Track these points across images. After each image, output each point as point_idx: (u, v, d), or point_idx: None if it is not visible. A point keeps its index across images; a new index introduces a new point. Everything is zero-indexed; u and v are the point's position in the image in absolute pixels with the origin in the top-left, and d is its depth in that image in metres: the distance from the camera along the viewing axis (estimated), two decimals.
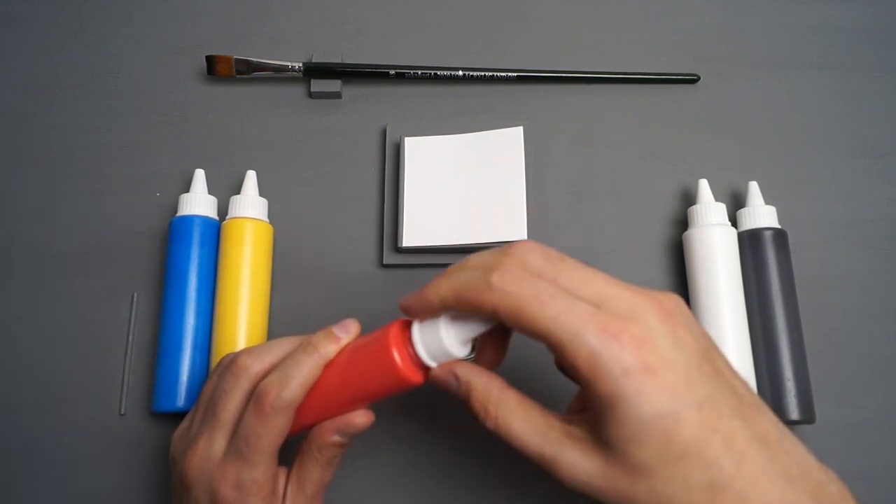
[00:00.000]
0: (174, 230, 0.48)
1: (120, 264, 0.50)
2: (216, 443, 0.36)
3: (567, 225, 0.51)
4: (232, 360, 0.38)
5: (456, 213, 0.49)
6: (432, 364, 0.34)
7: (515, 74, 0.54)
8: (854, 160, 0.53)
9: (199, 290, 0.47)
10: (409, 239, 0.48)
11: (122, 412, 0.47)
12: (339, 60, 0.54)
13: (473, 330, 0.33)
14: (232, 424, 0.36)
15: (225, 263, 0.47)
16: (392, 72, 0.54)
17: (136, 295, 0.50)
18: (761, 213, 0.48)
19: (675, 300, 0.30)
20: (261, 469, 0.35)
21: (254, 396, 0.35)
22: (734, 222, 0.49)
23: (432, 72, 0.54)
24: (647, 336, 0.28)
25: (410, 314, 0.35)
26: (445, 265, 0.50)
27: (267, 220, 0.49)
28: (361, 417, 0.37)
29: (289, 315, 0.49)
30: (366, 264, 0.50)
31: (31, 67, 0.56)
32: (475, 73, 0.54)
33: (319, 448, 0.37)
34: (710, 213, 0.48)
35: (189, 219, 0.48)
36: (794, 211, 0.51)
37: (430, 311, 0.33)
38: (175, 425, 0.47)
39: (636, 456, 0.28)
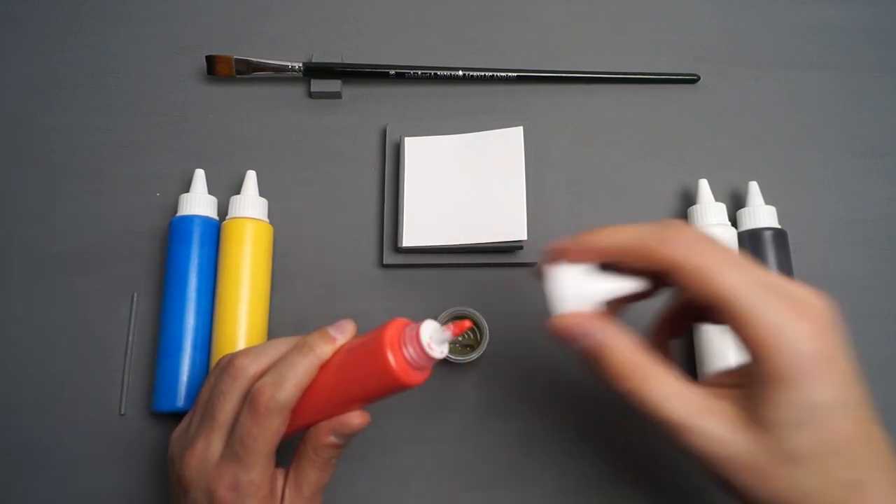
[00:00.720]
0: (174, 230, 0.48)
1: (120, 264, 0.50)
2: (213, 444, 0.36)
3: (567, 225, 0.51)
4: (229, 361, 0.38)
5: (456, 213, 0.49)
6: (438, 356, 0.34)
7: (515, 74, 0.54)
8: (854, 160, 0.53)
9: (199, 290, 0.47)
10: (409, 239, 0.48)
11: (122, 412, 0.47)
12: (339, 60, 0.54)
13: (620, 289, 0.32)
14: (228, 426, 0.36)
15: (225, 263, 0.47)
16: (392, 72, 0.54)
17: (136, 295, 0.50)
18: (761, 213, 0.48)
19: (825, 297, 0.30)
20: (257, 470, 0.35)
21: (249, 398, 0.35)
22: (734, 222, 0.49)
23: (432, 72, 0.54)
24: (826, 327, 0.28)
25: (564, 255, 0.34)
26: (445, 265, 0.50)
27: (267, 220, 0.49)
28: (357, 419, 0.36)
29: (289, 315, 0.49)
30: (366, 264, 0.50)
31: (31, 67, 0.56)
32: (475, 73, 0.54)
33: (315, 449, 0.37)
34: (710, 213, 0.48)
35: (189, 219, 0.48)
36: (794, 211, 0.51)
37: (594, 256, 0.33)
38: (175, 425, 0.47)
39: (791, 441, 0.27)
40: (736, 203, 0.51)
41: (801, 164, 0.53)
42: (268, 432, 0.35)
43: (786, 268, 0.47)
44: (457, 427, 0.47)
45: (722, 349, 0.44)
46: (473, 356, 0.45)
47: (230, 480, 0.35)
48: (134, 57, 0.56)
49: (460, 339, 0.47)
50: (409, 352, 0.34)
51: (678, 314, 0.36)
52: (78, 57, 0.56)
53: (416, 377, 0.35)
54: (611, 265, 0.33)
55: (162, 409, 0.45)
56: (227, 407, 0.36)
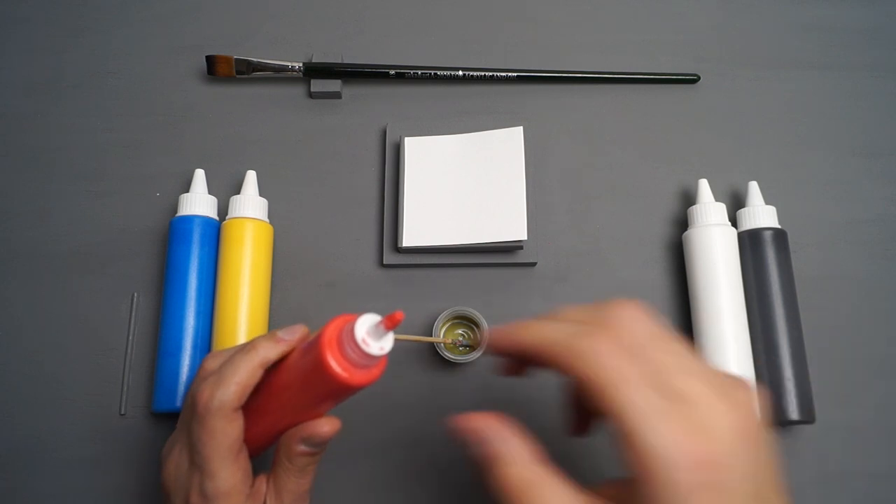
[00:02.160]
0: (174, 230, 0.48)
1: (120, 264, 0.50)
2: (185, 451, 0.35)
3: (567, 225, 0.51)
4: (201, 362, 0.37)
5: (456, 213, 0.49)
6: (376, 353, 0.31)
7: (515, 74, 0.54)
8: (854, 160, 0.53)
9: (199, 290, 0.47)
10: (409, 239, 0.48)
11: (122, 412, 0.47)
12: (339, 60, 0.54)
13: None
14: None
15: (225, 263, 0.47)
16: (392, 72, 0.54)
17: (136, 295, 0.50)
18: (761, 213, 0.48)
19: (756, 412, 0.29)
20: (220, 477, 0.34)
21: (190, 401, 0.34)
22: (734, 222, 0.49)
23: (432, 72, 0.54)
24: (716, 456, 0.26)
25: (492, 347, 0.34)
26: (445, 265, 0.50)
27: (267, 220, 0.49)
28: (326, 426, 0.35)
29: (289, 315, 0.49)
30: (366, 264, 0.50)
31: (31, 67, 0.56)
32: (475, 73, 0.54)
33: (289, 458, 0.36)
34: (710, 213, 0.48)
35: (189, 219, 0.48)
36: (794, 211, 0.51)
37: (514, 350, 0.32)
38: (174, 425, 0.47)
39: None
40: (736, 203, 0.51)
41: (801, 164, 0.53)
42: (216, 435, 0.33)
43: (786, 268, 0.47)
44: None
45: None
46: (473, 356, 0.45)
47: (198, 490, 0.34)
48: (134, 57, 0.56)
49: (460, 339, 0.47)
50: (348, 350, 0.31)
51: (582, 413, 0.35)
52: (78, 57, 0.56)
53: (361, 377, 0.32)
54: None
55: (162, 409, 0.45)
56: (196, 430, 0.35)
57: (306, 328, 0.37)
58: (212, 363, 0.37)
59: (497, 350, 0.33)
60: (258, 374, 0.35)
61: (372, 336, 0.31)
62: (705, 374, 0.29)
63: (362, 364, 0.32)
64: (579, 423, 0.36)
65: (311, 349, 0.32)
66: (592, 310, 0.31)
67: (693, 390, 0.27)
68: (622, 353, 0.28)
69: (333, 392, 0.33)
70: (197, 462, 0.34)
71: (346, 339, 0.31)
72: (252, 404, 0.35)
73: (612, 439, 0.28)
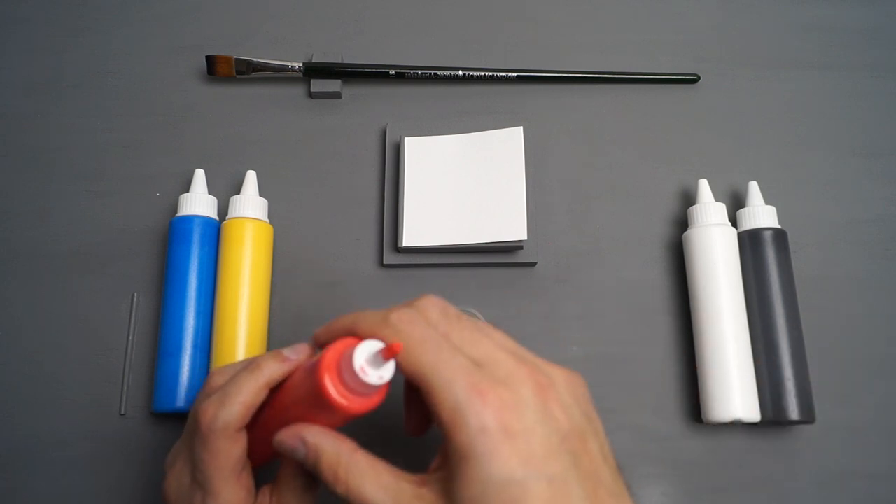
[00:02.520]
0: (174, 230, 0.48)
1: (120, 264, 0.50)
2: (187, 467, 0.35)
3: (567, 225, 0.51)
4: (207, 377, 0.37)
5: (456, 213, 0.49)
6: (375, 382, 0.31)
7: (515, 74, 0.54)
8: (854, 160, 0.53)
9: (199, 290, 0.47)
10: (409, 239, 0.48)
11: (122, 412, 0.47)
12: (339, 60, 0.54)
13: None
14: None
15: (225, 263, 0.47)
16: (392, 72, 0.54)
17: (136, 295, 0.50)
18: (761, 213, 0.48)
19: (563, 377, 0.31)
20: (223, 496, 0.33)
21: (193, 420, 0.34)
22: (734, 222, 0.49)
23: (432, 72, 0.54)
24: (514, 402, 0.28)
25: (318, 343, 0.34)
26: (445, 265, 0.50)
27: (267, 220, 0.49)
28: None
29: (289, 315, 0.49)
30: (366, 264, 0.50)
31: (31, 67, 0.56)
32: (475, 73, 0.54)
33: (293, 475, 0.35)
34: (710, 213, 0.48)
35: (189, 219, 0.48)
36: (794, 211, 0.51)
37: (328, 337, 0.34)
38: (175, 425, 0.47)
39: None
40: (736, 203, 0.51)
41: (801, 164, 0.53)
42: (218, 455, 0.33)
43: (786, 268, 0.47)
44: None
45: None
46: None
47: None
48: (134, 57, 0.56)
49: None
50: (346, 377, 0.31)
51: (416, 414, 0.36)
52: (78, 57, 0.56)
53: (360, 404, 0.31)
54: None
55: (162, 409, 0.45)
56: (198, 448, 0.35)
57: (310, 347, 0.36)
58: (218, 380, 0.36)
59: (320, 342, 0.34)
60: (263, 394, 0.34)
61: (371, 365, 0.30)
62: (504, 347, 0.31)
63: (361, 392, 0.31)
64: (416, 421, 0.36)
65: (312, 372, 0.32)
66: (401, 304, 0.32)
67: (491, 356, 0.30)
68: (425, 323, 0.31)
69: (331, 416, 0.32)
70: (199, 480, 0.34)
71: (345, 366, 0.31)
72: (257, 419, 0.35)
73: (427, 405, 0.29)
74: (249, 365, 0.35)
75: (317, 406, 0.32)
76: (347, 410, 0.31)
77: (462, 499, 0.27)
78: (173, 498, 0.35)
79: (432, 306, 0.32)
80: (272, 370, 0.35)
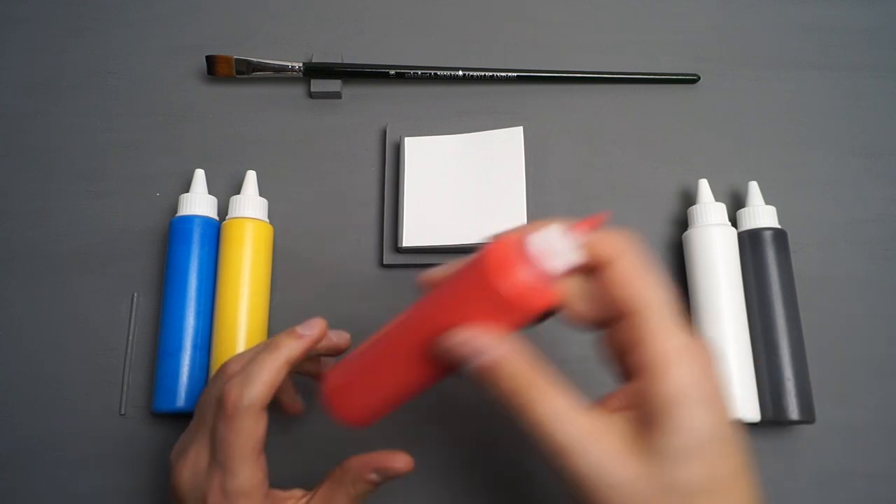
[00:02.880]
0: (174, 230, 0.48)
1: (120, 264, 0.50)
2: (203, 452, 0.35)
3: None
4: (222, 365, 0.37)
5: (456, 213, 0.49)
6: (558, 267, 0.27)
7: (515, 74, 0.54)
8: (854, 160, 0.53)
9: (199, 290, 0.47)
10: (409, 239, 0.48)
11: (122, 412, 0.47)
12: (339, 60, 0.54)
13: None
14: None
15: (225, 263, 0.47)
16: (392, 72, 0.54)
17: (136, 295, 0.50)
18: (761, 213, 0.48)
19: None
20: (243, 475, 0.34)
21: (217, 401, 0.35)
22: (734, 222, 0.49)
23: (432, 72, 0.54)
24: (713, 367, 0.28)
25: (432, 283, 0.32)
26: None
27: (267, 220, 0.49)
28: (400, 462, 0.36)
29: (289, 315, 0.49)
30: (366, 264, 0.50)
31: (31, 67, 0.56)
32: (475, 73, 0.54)
33: (354, 482, 0.36)
34: (710, 213, 0.48)
35: (189, 219, 0.48)
36: (794, 211, 0.51)
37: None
38: (175, 425, 0.47)
39: (678, 472, 0.26)
40: (736, 203, 0.51)
41: (801, 164, 0.53)
42: (241, 434, 0.34)
43: (786, 268, 0.47)
44: (457, 428, 0.47)
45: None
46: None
47: (219, 487, 0.34)
48: (134, 57, 0.56)
49: None
50: (520, 269, 0.27)
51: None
52: (78, 57, 0.56)
53: (540, 299, 0.28)
54: None
55: (162, 409, 0.45)
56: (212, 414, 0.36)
57: (325, 321, 0.37)
58: (234, 366, 0.36)
59: (437, 280, 0.32)
60: (284, 372, 0.35)
61: (553, 247, 0.27)
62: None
63: (539, 285, 0.27)
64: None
65: (474, 270, 0.28)
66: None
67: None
68: (642, 252, 0.29)
69: (506, 318, 0.28)
70: (220, 460, 0.34)
71: (520, 254, 0.27)
72: (362, 364, 0.33)
73: (623, 339, 0.28)
74: (268, 346, 0.36)
75: (485, 310, 0.28)
76: (527, 305, 0.27)
77: (665, 447, 0.26)
78: (187, 487, 0.35)
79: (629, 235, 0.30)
80: (290, 348, 0.36)
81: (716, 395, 0.27)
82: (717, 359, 0.29)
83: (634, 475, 0.26)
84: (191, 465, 0.35)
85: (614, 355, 0.30)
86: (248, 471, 0.34)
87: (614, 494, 0.26)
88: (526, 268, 0.27)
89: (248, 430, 0.34)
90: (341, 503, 0.36)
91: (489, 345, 0.29)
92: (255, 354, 0.36)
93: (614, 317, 0.29)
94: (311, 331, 0.37)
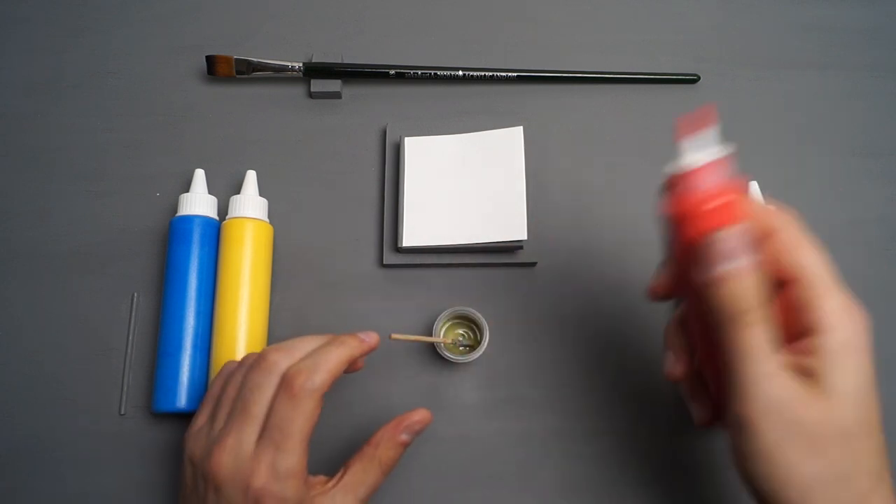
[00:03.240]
0: (174, 230, 0.48)
1: (120, 264, 0.50)
2: (247, 438, 0.36)
3: (567, 225, 0.51)
4: (261, 356, 0.38)
5: (456, 213, 0.49)
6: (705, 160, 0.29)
7: (515, 74, 0.54)
8: (854, 160, 0.53)
9: (199, 290, 0.47)
10: (409, 239, 0.48)
11: (122, 412, 0.47)
12: (339, 60, 0.54)
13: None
14: (262, 418, 0.37)
15: (225, 263, 0.47)
16: (392, 72, 0.54)
17: (136, 295, 0.50)
18: None
19: None
20: (296, 456, 0.36)
21: (283, 382, 0.37)
22: None
23: (432, 72, 0.54)
24: (868, 333, 0.33)
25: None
26: (445, 265, 0.50)
27: (267, 220, 0.49)
28: (422, 415, 0.41)
29: (289, 315, 0.49)
30: (366, 264, 0.50)
31: (31, 67, 0.56)
32: (475, 73, 0.54)
33: (387, 448, 0.39)
34: None
35: (189, 219, 0.48)
36: (794, 211, 0.51)
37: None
38: (175, 425, 0.47)
39: (848, 412, 0.31)
40: None
41: (801, 164, 0.53)
42: (303, 415, 0.36)
43: None
44: (457, 427, 0.47)
45: None
46: (473, 356, 0.45)
47: (268, 468, 0.35)
48: (134, 57, 0.56)
49: (460, 339, 0.47)
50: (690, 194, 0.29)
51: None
52: (78, 57, 0.56)
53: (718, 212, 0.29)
54: None
55: (162, 409, 0.45)
56: (261, 400, 0.37)
57: (377, 335, 0.41)
58: (276, 355, 0.38)
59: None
60: (343, 366, 0.38)
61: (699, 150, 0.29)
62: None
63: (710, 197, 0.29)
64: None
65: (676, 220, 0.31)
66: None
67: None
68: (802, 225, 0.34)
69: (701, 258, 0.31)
70: (276, 440, 0.36)
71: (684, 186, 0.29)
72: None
73: (793, 302, 0.32)
74: (334, 341, 0.39)
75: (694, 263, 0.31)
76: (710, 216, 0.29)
77: (838, 389, 0.31)
78: (228, 471, 0.36)
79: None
80: (353, 348, 0.39)
81: (869, 349, 0.32)
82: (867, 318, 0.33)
83: (814, 411, 0.31)
84: (231, 450, 0.36)
85: (780, 318, 0.33)
86: (300, 452, 0.36)
87: (789, 430, 0.30)
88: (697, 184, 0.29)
89: (310, 413, 0.36)
90: (374, 474, 0.39)
91: (745, 252, 0.31)
92: (313, 348, 0.38)
93: (781, 282, 0.33)
94: (370, 339, 0.40)
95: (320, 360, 0.37)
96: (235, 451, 0.36)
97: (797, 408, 0.30)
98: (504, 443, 0.47)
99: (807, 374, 0.31)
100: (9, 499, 0.46)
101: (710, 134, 0.30)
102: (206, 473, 0.36)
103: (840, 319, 0.32)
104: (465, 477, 0.46)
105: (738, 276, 0.31)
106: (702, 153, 0.30)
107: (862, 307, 0.33)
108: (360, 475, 0.39)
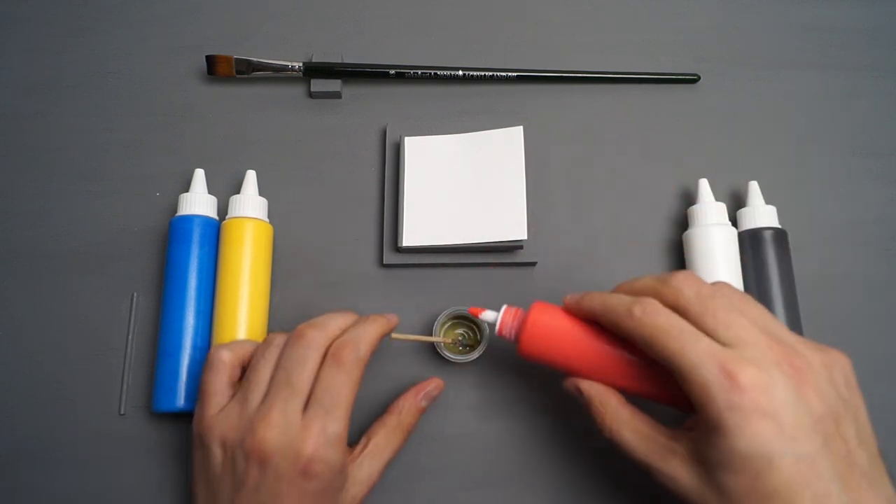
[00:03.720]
0: (174, 230, 0.48)
1: (119, 264, 0.50)
2: (292, 409, 0.38)
3: (567, 225, 0.51)
4: (297, 333, 0.40)
5: (456, 213, 0.49)
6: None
7: (515, 74, 0.54)
8: (854, 160, 0.53)
9: (199, 290, 0.47)
10: (409, 239, 0.48)
11: (122, 412, 0.47)
12: (339, 60, 0.54)
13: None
14: (306, 391, 0.39)
15: (225, 263, 0.47)
16: (392, 72, 0.54)
17: (135, 295, 0.50)
18: (761, 213, 0.48)
19: (820, 359, 0.33)
20: (343, 423, 0.38)
21: (331, 354, 0.39)
22: (734, 222, 0.49)
23: (432, 72, 0.54)
24: (763, 382, 0.30)
25: (567, 309, 0.39)
26: (445, 265, 0.50)
27: (267, 220, 0.49)
28: (437, 383, 0.45)
29: (289, 315, 0.49)
30: (366, 264, 0.50)
31: (31, 67, 0.56)
32: (475, 73, 0.54)
33: (408, 414, 0.43)
34: (710, 213, 0.48)
35: (189, 218, 0.48)
36: (794, 211, 0.51)
37: (583, 315, 0.38)
38: (175, 425, 0.47)
39: (726, 482, 0.31)
40: (736, 203, 0.51)
41: (801, 164, 0.53)
42: (350, 383, 0.39)
43: (786, 268, 0.47)
44: (456, 427, 0.47)
45: None
46: (473, 356, 0.45)
47: (319, 434, 0.37)
48: (134, 57, 0.56)
49: (460, 339, 0.47)
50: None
51: None
52: (78, 57, 0.56)
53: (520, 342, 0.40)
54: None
55: (162, 408, 0.45)
56: (304, 372, 0.39)
57: (397, 316, 0.44)
58: (311, 331, 0.40)
59: (570, 311, 0.39)
60: (379, 341, 0.42)
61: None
62: (760, 327, 0.33)
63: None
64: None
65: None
66: (656, 279, 0.36)
67: (744, 337, 0.32)
68: (668, 311, 0.34)
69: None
70: (327, 405, 0.38)
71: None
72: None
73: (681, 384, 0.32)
74: (367, 319, 0.42)
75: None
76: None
77: (712, 462, 0.31)
78: (276, 444, 0.37)
79: (687, 287, 0.34)
80: (383, 325, 0.42)
81: (754, 417, 0.30)
82: (783, 373, 0.31)
83: (697, 482, 0.33)
84: (277, 423, 0.37)
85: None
86: (346, 419, 0.38)
87: (687, 494, 0.33)
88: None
89: (356, 381, 0.39)
90: (398, 439, 0.42)
91: (582, 386, 0.39)
92: (342, 323, 0.42)
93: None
94: (394, 319, 0.44)
95: (362, 333, 0.40)
96: (283, 423, 0.37)
97: (684, 483, 0.33)
98: (504, 443, 0.47)
99: (698, 444, 0.33)
100: (9, 499, 0.46)
101: (488, 314, 0.42)
102: (249, 450, 0.37)
103: (708, 395, 0.31)
104: (465, 477, 0.46)
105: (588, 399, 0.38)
106: (492, 315, 0.41)
107: (777, 369, 0.31)
108: (385, 441, 0.42)
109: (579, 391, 0.39)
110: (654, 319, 0.33)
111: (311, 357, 0.39)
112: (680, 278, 0.35)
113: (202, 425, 0.40)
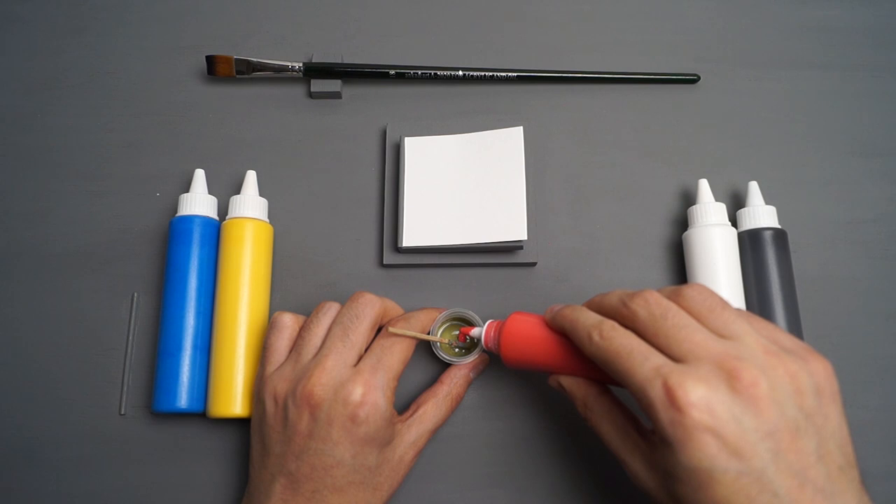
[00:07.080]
0: (174, 230, 0.48)
1: (120, 264, 0.50)
2: (346, 359, 0.40)
3: (567, 225, 0.51)
4: (356, 294, 0.43)
5: (456, 213, 0.49)
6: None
7: (515, 74, 0.54)
8: (854, 160, 0.53)
9: (199, 290, 0.47)
10: (409, 239, 0.48)
11: (122, 412, 0.47)
12: (339, 60, 0.54)
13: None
14: (361, 346, 0.41)
15: (225, 263, 0.47)
16: (392, 72, 0.54)
17: (136, 295, 0.50)
18: (761, 213, 0.48)
19: (786, 372, 0.32)
20: (393, 377, 0.41)
21: (387, 326, 0.43)
22: (734, 222, 0.49)
23: (432, 72, 0.54)
24: (707, 399, 0.30)
25: (545, 320, 0.41)
26: (445, 265, 0.50)
27: (267, 220, 0.49)
28: (483, 358, 0.46)
29: None
30: (366, 264, 0.50)
31: (31, 67, 0.56)
32: (475, 73, 0.54)
33: (458, 385, 0.45)
34: (710, 213, 0.48)
35: (189, 219, 0.48)
36: (794, 211, 0.51)
37: (553, 328, 0.40)
38: (175, 425, 0.47)
39: (675, 490, 0.32)
40: (736, 203, 0.51)
41: (801, 164, 0.53)
42: (401, 351, 0.42)
43: (786, 268, 0.47)
44: (456, 427, 0.47)
45: None
46: (467, 360, 0.45)
47: (369, 379, 0.39)
48: (134, 57, 0.56)
49: (456, 340, 0.47)
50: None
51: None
52: (78, 57, 0.56)
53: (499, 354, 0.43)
54: None
55: (162, 409, 0.45)
56: (360, 327, 0.42)
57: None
58: (369, 294, 0.43)
59: (549, 323, 0.40)
60: (426, 327, 0.45)
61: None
62: (716, 341, 0.33)
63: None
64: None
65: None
66: (627, 294, 0.36)
67: (697, 352, 0.32)
68: (623, 332, 0.35)
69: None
70: (375, 359, 0.41)
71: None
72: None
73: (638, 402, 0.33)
74: (421, 310, 0.45)
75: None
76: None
77: (662, 467, 0.33)
78: (330, 388, 0.39)
79: (641, 308, 0.35)
80: (433, 313, 0.46)
81: (697, 433, 0.30)
82: (731, 390, 0.31)
83: (655, 482, 0.34)
84: (331, 369, 0.40)
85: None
86: (396, 378, 0.41)
87: (648, 492, 0.35)
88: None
89: (406, 351, 0.42)
90: (446, 408, 0.44)
91: (564, 383, 0.41)
92: (409, 313, 0.45)
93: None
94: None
95: (414, 315, 0.44)
96: (336, 369, 0.40)
97: (646, 481, 0.35)
98: (503, 443, 0.47)
99: (655, 451, 0.34)
100: (8, 499, 0.46)
101: (475, 331, 0.44)
102: (302, 397, 0.39)
103: (654, 413, 0.31)
104: (465, 477, 0.46)
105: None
106: (478, 331, 0.44)
107: (723, 385, 0.31)
108: (433, 410, 0.44)
109: (561, 387, 0.40)
110: (610, 343, 0.34)
111: (368, 315, 0.42)
112: (638, 301, 0.35)
113: (260, 382, 0.42)
